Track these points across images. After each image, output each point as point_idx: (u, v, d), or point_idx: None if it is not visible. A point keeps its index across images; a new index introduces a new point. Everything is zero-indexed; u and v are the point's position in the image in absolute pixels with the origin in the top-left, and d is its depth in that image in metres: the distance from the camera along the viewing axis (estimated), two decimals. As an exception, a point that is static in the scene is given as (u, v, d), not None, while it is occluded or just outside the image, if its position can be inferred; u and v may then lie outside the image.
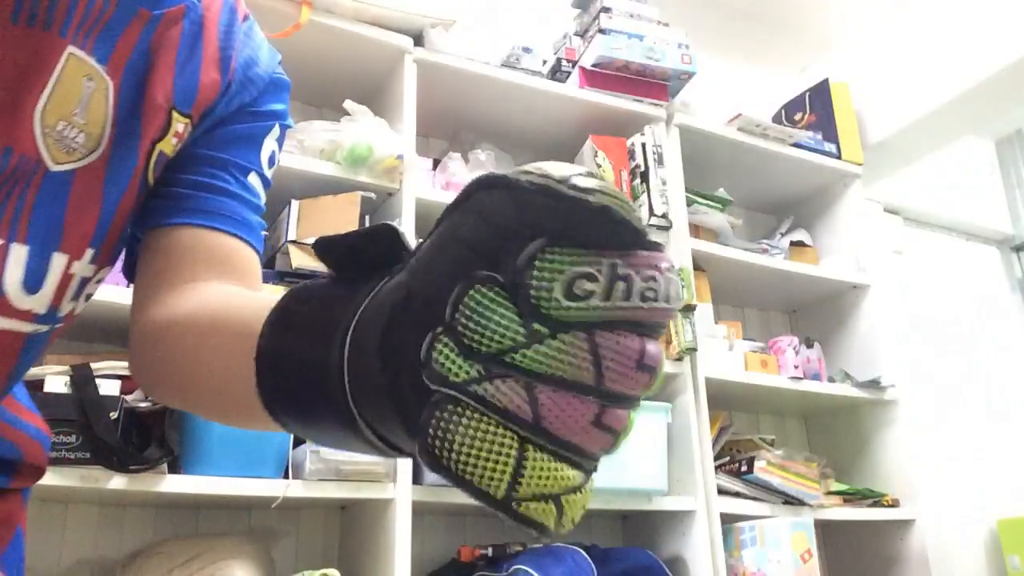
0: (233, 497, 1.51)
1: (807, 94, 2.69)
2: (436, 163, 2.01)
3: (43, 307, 0.51)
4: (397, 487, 1.59)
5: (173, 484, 1.41)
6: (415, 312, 0.33)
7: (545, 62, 2.21)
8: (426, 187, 1.88)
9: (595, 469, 0.36)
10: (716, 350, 2.11)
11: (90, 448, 1.33)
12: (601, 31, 2.15)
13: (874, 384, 2.30)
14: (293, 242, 1.66)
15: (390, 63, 1.94)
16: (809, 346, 2.31)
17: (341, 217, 1.69)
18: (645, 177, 2.11)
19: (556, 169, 0.30)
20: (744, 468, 2.01)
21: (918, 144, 2.75)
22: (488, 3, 2.44)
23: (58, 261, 0.50)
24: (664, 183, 2.10)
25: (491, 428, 0.30)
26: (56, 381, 1.35)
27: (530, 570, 1.60)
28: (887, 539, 2.26)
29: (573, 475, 0.34)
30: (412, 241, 0.38)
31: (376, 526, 1.63)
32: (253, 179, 0.62)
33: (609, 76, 2.17)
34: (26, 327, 0.51)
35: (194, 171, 0.58)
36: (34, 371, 1.32)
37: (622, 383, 0.32)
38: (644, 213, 2.09)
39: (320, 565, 1.65)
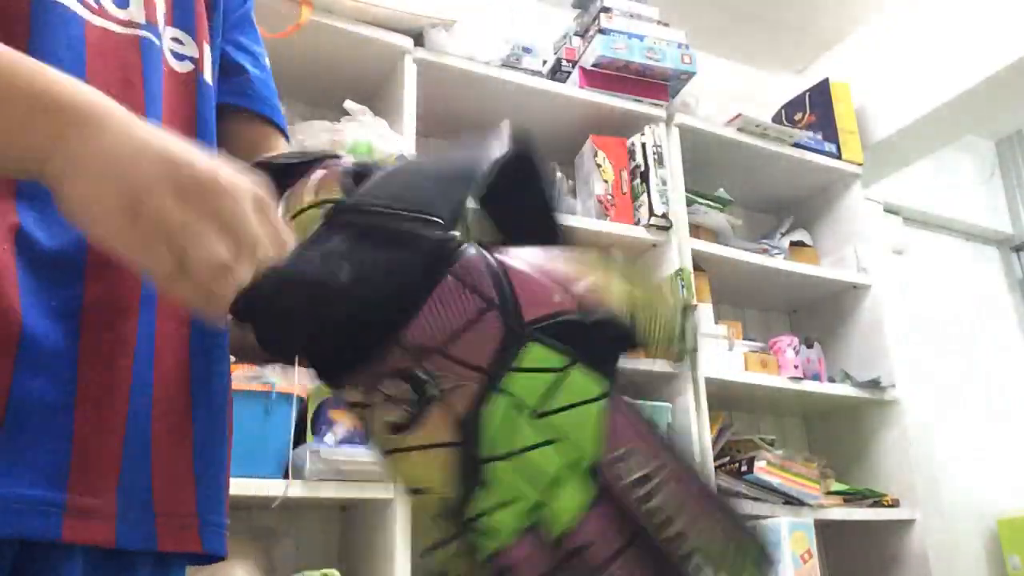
0: (233, 497, 1.50)
1: (807, 94, 2.69)
2: (436, 163, 2.01)
3: (140, 16, 0.57)
4: (397, 487, 1.59)
5: (173, 484, 1.41)
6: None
7: (545, 62, 2.21)
8: (426, 187, 1.87)
9: None
10: (716, 350, 2.11)
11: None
12: (601, 31, 2.15)
13: (874, 384, 2.30)
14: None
15: (390, 63, 1.94)
16: (809, 346, 2.31)
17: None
18: (645, 177, 2.11)
19: None
20: (744, 468, 2.01)
21: (918, 144, 2.75)
22: (488, 3, 2.44)
23: None
24: (664, 183, 2.10)
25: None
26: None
27: (530, 570, 1.59)
28: (887, 539, 2.26)
29: None
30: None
31: (376, 526, 1.63)
32: (267, 62, 0.70)
33: (609, 76, 2.17)
34: (133, 31, 0.56)
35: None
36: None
37: None
38: (644, 213, 2.09)
39: (320, 565, 1.65)
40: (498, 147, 0.47)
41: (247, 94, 0.69)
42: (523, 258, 0.42)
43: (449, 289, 0.40)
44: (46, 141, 0.39)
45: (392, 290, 0.40)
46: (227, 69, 0.68)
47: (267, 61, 0.73)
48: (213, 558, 0.57)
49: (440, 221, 0.41)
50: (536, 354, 0.39)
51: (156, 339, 0.52)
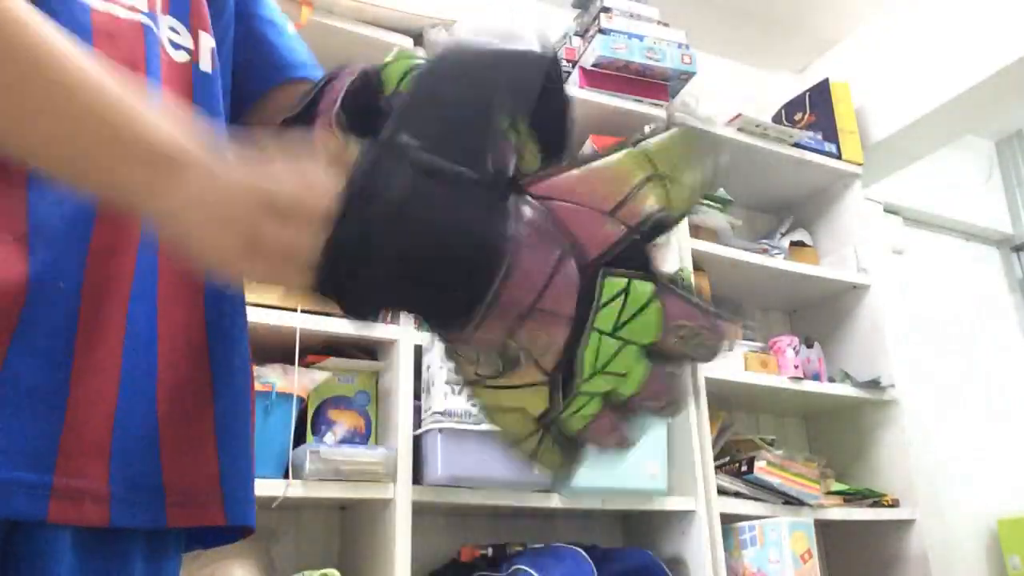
0: (233, 497, 1.51)
1: (807, 94, 2.69)
2: (436, 163, 2.01)
3: (142, 4, 0.58)
4: (397, 487, 1.59)
5: (173, 484, 1.41)
6: None
7: (545, 62, 2.21)
8: (426, 187, 1.88)
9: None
10: (716, 350, 2.11)
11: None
12: (601, 31, 2.15)
13: (874, 384, 2.30)
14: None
15: (390, 63, 1.93)
16: (809, 346, 2.31)
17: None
18: (645, 177, 2.11)
19: None
20: (744, 468, 2.01)
21: (918, 144, 2.74)
22: (488, 3, 2.44)
23: None
24: (664, 183, 2.10)
25: None
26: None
27: (530, 570, 1.60)
28: (887, 539, 2.26)
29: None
30: None
31: (376, 526, 1.63)
32: (290, 26, 0.75)
33: (609, 76, 2.17)
34: (136, 16, 0.57)
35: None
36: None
37: None
38: (644, 213, 2.08)
39: (320, 565, 1.65)
40: (531, 51, 0.50)
41: (279, 67, 0.71)
42: (563, 189, 0.45)
43: (529, 244, 0.43)
44: (138, 188, 0.42)
45: (478, 252, 0.42)
46: (254, 47, 0.70)
47: (290, 25, 0.75)
48: (243, 532, 0.57)
49: (492, 169, 0.44)
50: (610, 288, 0.43)
51: (159, 321, 0.52)
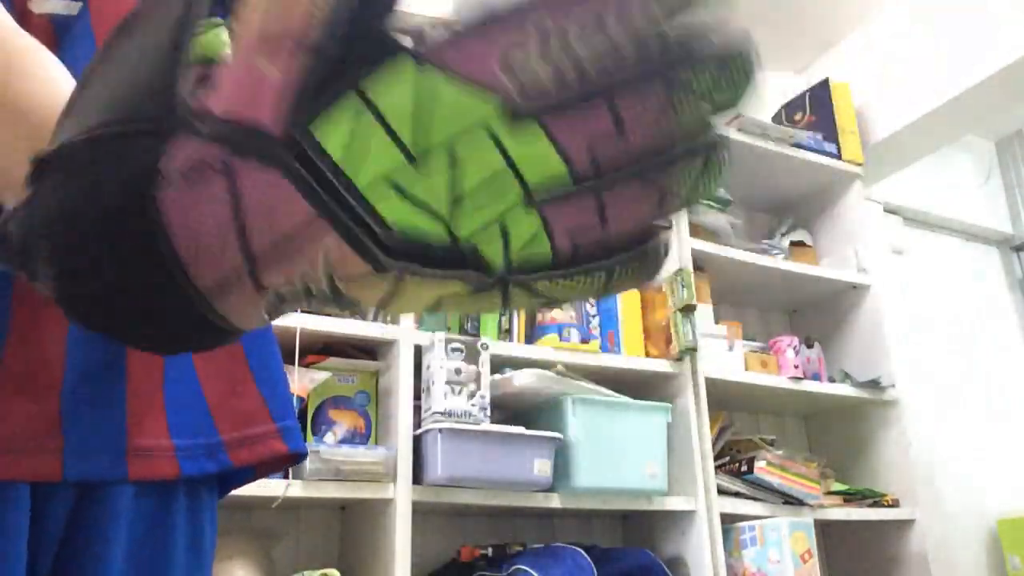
0: (233, 497, 1.51)
1: (807, 94, 2.69)
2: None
3: None
4: (397, 487, 1.59)
5: (173, 484, 1.41)
6: None
7: (545, 62, 2.21)
8: (426, 187, 1.88)
9: None
10: (716, 350, 2.11)
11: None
12: (601, 31, 2.15)
13: (874, 384, 2.30)
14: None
15: (390, 63, 1.94)
16: (809, 346, 2.31)
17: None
18: (645, 177, 2.11)
19: None
20: (744, 468, 2.01)
21: (918, 144, 2.74)
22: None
23: None
24: (664, 183, 2.10)
25: None
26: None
27: (530, 570, 1.60)
28: (887, 539, 2.26)
29: None
30: None
31: (376, 526, 1.63)
32: None
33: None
34: None
35: None
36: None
37: None
38: (644, 213, 2.09)
39: (320, 565, 1.65)
40: None
41: None
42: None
43: (184, 188, 0.29)
44: None
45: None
46: None
47: None
48: (298, 458, 0.60)
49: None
50: (334, 126, 0.28)
51: None
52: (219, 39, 0.31)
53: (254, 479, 0.62)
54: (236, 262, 0.29)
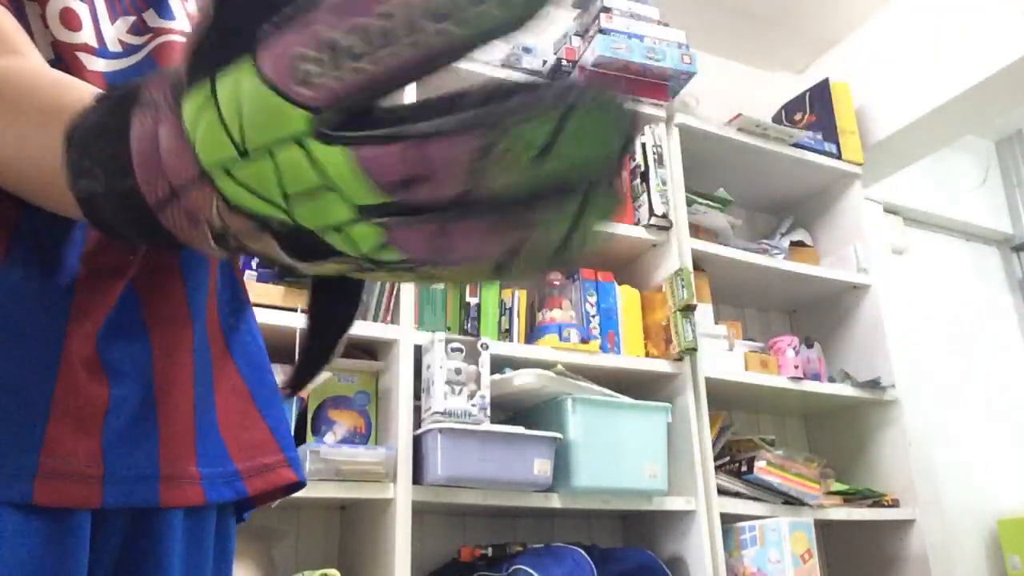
0: (233, 497, 1.51)
1: (807, 94, 2.69)
2: (436, 163, 2.01)
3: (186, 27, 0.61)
4: (397, 487, 1.59)
5: (173, 484, 1.41)
6: None
7: (545, 62, 2.21)
8: (426, 187, 1.88)
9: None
10: (716, 350, 2.11)
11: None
12: (601, 31, 2.15)
13: (874, 384, 2.30)
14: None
15: (390, 63, 1.93)
16: (809, 346, 2.31)
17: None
18: (645, 177, 2.11)
19: None
20: (744, 468, 2.01)
21: (918, 144, 2.74)
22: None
23: None
24: (664, 183, 2.10)
25: None
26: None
27: (530, 570, 1.60)
28: (887, 539, 2.26)
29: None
30: None
31: (376, 526, 1.63)
32: None
33: (609, 76, 2.17)
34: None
35: None
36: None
37: None
38: (644, 213, 2.09)
39: (320, 565, 1.65)
40: None
41: None
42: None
43: (141, 134, 0.35)
44: None
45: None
46: None
47: None
48: (300, 487, 0.66)
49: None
50: (189, 107, 0.32)
51: (210, 345, 0.60)
52: None
53: (267, 504, 0.67)
54: (165, 188, 0.35)
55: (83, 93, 0.42)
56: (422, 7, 0.27)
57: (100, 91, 0.39)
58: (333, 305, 0.48)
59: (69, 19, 0.55)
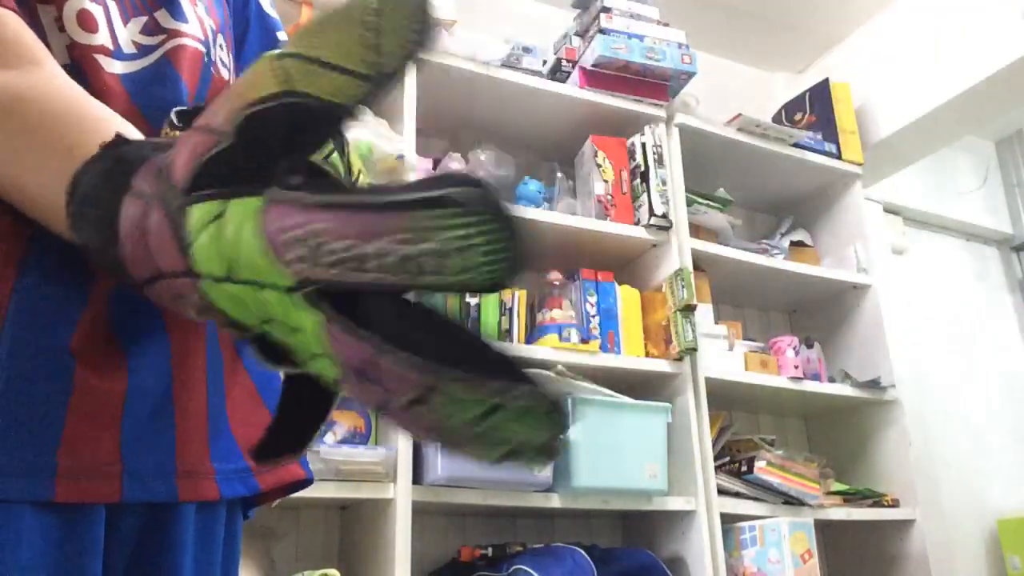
0: (233, 497, 1.51)
1: (807, 94, 2.69)
2: (436, 163, 2.01)
3: (198, 31, 0.62)
4: (397, 487, 1.59)
5: (173, 484, 1.41)
6: None
7: (545, 62, 2.21)
8: (426, 187, 1.87)
9: None
10: (716, 350, 2.11)
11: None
12: (601, 31, 2.15)
13: (874, 384, 2.30)
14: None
15: (390, 63, 1.93)
16: (809, 346, 2.31)
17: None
18: (645, 177, 2.11)
19: None
20: (744, 468, 2.01)
21: (918, 144, 2.75)
22: (488, 3, 2.44)
23: None
24: (664, 183, 2.10)
25: None
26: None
27: (530, 570, 1.60)
28: (887, 539, 2.26)
29: None
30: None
31: (376, 526, 1.63)
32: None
33: (609, 76, 2.17)
34: (198, 45, 0.61)
35: None
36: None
37: None
38: (644, 213, 2.09)
39: (320, 565, 1.65)
40: None
41: None
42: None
43: (130, 213, 0.38)
44: None
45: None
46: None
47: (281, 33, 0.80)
48: (308, 483, 0.68)
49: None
50: (200, 216, 0.35)
51: (222, 350, 0.62)
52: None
53: (271, 502, 0.68)
54: (151, 270, 0.38)
55: (91, 135, 0.43)
56: (416, 258, 0.30)
57: (105, 140, 0.41)
58: (305, 404, 0.46)
59: (86, 20, 0.55)
